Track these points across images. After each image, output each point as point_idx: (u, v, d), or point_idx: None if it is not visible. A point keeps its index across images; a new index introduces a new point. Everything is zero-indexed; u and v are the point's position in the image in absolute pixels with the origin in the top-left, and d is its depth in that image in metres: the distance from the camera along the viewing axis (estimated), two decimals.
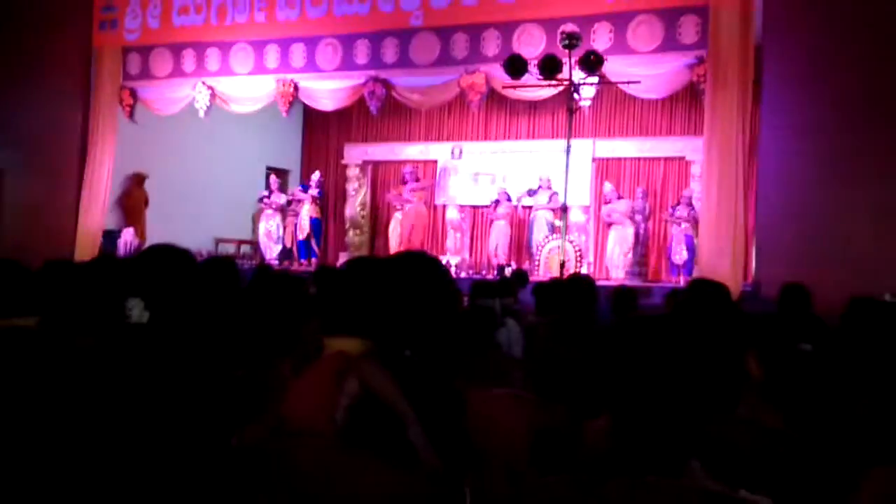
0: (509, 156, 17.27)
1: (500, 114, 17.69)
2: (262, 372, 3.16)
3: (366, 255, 14.30)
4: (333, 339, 2.41)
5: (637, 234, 15.36)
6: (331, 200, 18.76)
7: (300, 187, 17.65)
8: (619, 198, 15.50)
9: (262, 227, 17.34)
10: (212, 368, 3.01)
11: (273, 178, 17.63)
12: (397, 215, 16.95)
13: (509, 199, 16.17)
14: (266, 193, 17.42)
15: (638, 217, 15.43)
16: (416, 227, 16.78)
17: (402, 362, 2.04)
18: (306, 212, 17.06)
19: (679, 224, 14.70)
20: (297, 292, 3.51)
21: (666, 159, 16.51)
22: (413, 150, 18.16)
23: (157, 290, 2.43)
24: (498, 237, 16.15)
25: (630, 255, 15.25)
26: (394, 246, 16.69)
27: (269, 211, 17.20)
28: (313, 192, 17.19)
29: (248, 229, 18.38)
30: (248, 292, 4.00)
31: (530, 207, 16.17)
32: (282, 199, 17.33)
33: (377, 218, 18.65)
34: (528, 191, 15.99)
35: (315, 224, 17.23)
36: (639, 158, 16.69)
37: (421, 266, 2.15)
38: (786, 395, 2.94)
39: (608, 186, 15.65)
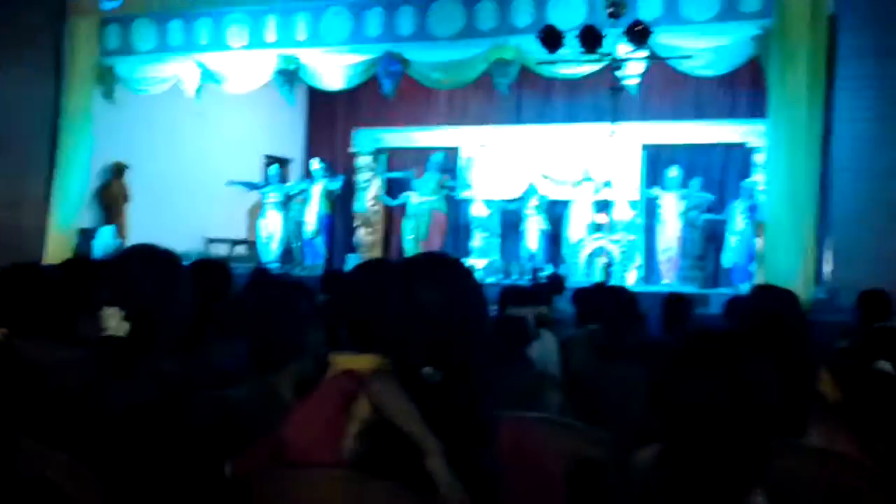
0: (544, 142, 17.23)
1: (533, 94, 17.67)
2: (259, 393, 3.16)
3: (379, 258, 14.34)
4: (342, 356, 2.41)
5: (692, 233, 15.31)
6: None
7: (305, 181, 17.67)
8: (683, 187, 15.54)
9: (260, 224, 17.41)
10: (201, 388, 3.02)
11: (273, 167, 17.69)
12: (411, 210, 16.98)
13: (537, 193, 16.17)
14: (264, 184, 17.47)
15: (693, 213, 15.38)
16: (435, 226, 16.84)
17: (421, 382, 2.03)
18: (315, 206, 17.08)
19: (739, 221, 14.63)
20: (301, 301, 3.51)
21: (726, 146, 16.44)
22: (433, 137, 18.17)
23: (138, 297, 2.43)
24: (532, 237, 16.16)
25: (684, 257, 15.22)
26: (410, 247, 16.71)
27: (270, 205, 17.25)
28: (333, 184, 17.19)
29: (243, 227, 18.45)
30: (243, 300, 4.01)
31: (565, 203, 16.17)
32: (286, 189, 17.40)
33: (391, 214, 18.67)
34: (572, 183, 16.01)
35: (326, 220, 17.28)
36: (695, 145, 16.64)
37: (442, 270, 2.15)
38: (865, 419, 2.92)
39: (674, 172, 15.60)
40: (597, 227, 15.32)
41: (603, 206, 13.96)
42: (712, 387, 1.87)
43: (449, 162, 17.47)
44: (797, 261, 11.42)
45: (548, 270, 14.48)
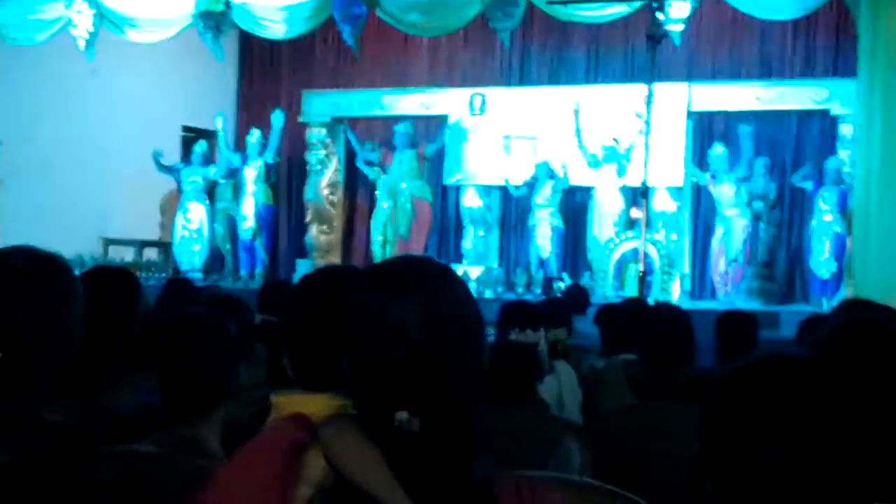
0: (558, 110, 17.22)
1: (544, 46, 17.67)
2: (175, 445, 3.14)
3: (338, 264, 14.35)
4: (287, 395, 2.39)
5: (757, 231, 15.30)
6: (282, 179, 18.71)
7: (236, 157, 17.61)
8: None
9: (178, 220, 17.34)
10: (98, 440, 3.00)
11: (199, 144, 17.60)
12: (383, 204, 16.89)
13: (552, 177, 16.09)
14: (180, 166, 17.39)
15: (758, 204, 15.38)
16: (418, 220, 16.77)
17: (393, 430, 2.03)
18: (251, 195, 16.98)
19: (824, 214, 14.62)
20: (233, 322, 3.50)
21: (802, 114, 16.47)
22: (410, 102, 18.14)
23: (12, 319, 2.42)
24: (544, 235, 16.11)
25: (747, 263, 15.22)
26: (379, 250, 16.67)
27: (192, 194, 17.16)
28: (267, 154, 17.08)
29: (154, 224, 18.39)
30: (155, 322, 4.00)
31: (587, 190, 16.14)
32: (210, 172, 17.30)
33: (355, 206, 18.64)
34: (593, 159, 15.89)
35: (266, 214, 17.17)
36: (759, 113, 16.66)
37: (425, 280, 2.14)
38: None
39: (719, 149, 15.51)
40: (630, 224, 15.32)
41: (638, 195, 13.84)
42: (781, 436, 1.86)
43: (420, 135, 17.32)
44: None
45: (565, 281, 14.47)
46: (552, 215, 16.11)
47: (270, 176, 17.20)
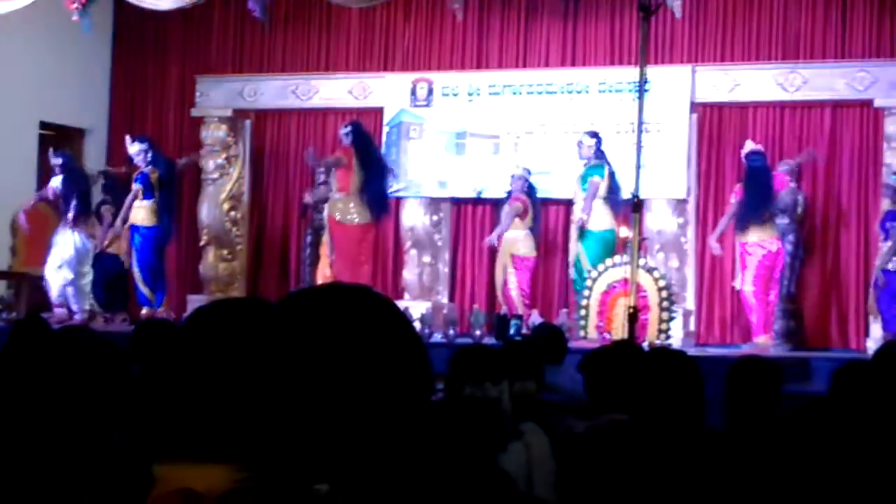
0: (528, 100, 17.26)
1: (507, 20, 17.72)
2: None
3: (240, 297, 14.35)
4: (174, 467, 2.38)
5: (783, 256, 15.29)
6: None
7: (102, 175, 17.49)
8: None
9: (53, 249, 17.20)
10: None
11: (53, 154, 17.40)
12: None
13: (531, 193, 15.91)
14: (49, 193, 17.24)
15: (783, 221, 15.36)
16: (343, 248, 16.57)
17: None
18: (130, 213, 16.62)
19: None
20: (101, 373, 3.48)
21: (836, 105, 16.54)
22: (336, 89, 18.13)
23: None
24: (508, 265, 16.00)
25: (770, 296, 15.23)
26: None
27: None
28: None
29: (2, 249, 18.27)
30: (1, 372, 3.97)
31: (567, 204, 16.14)
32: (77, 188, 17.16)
33: (263, 226, 18.60)
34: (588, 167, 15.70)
35: (148, 238, 16.79)
36: (783, 105, 16.75)
37: (355, 315, 2.12)
38: None
39: (750, 146, 15.38)
40: (615, 246, 15.33)
41: (625, 207, 13.81)
42: None
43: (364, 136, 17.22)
44: None
45: (535, 320, 14.45)
46: (524, 241, 15.88)
47: (155, 194, 16.59)
